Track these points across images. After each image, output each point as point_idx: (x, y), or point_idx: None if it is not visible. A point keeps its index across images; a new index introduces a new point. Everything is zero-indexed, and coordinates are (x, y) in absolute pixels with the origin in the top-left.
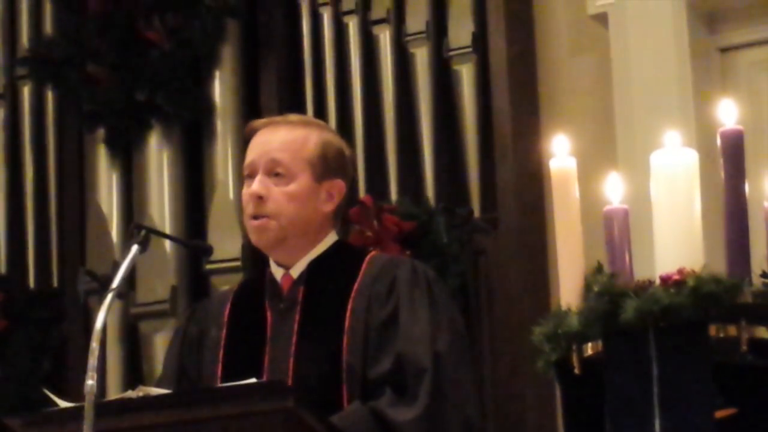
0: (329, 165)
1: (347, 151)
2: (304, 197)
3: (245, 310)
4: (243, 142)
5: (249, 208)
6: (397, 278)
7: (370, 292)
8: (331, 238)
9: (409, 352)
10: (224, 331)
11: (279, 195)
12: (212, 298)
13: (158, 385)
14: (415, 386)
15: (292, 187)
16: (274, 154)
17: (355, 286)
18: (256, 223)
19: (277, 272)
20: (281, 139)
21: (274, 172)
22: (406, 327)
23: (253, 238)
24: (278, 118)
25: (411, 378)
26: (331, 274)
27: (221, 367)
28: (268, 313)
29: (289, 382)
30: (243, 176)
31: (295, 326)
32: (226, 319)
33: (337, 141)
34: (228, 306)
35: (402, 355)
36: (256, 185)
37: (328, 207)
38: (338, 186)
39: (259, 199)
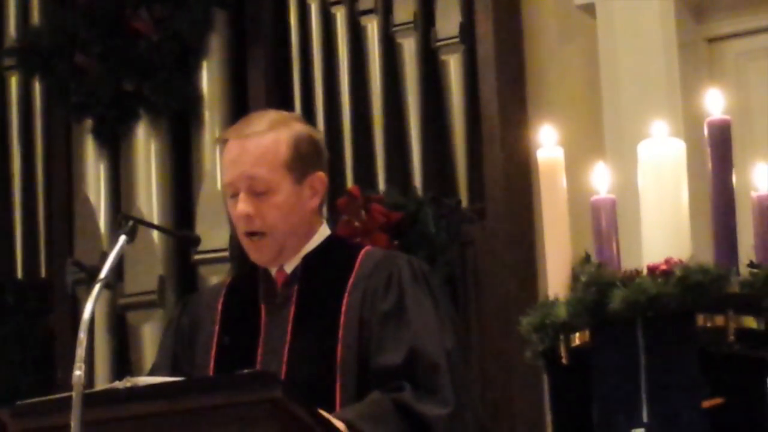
0: (305, 161)
1: (317, 136)
2: (291, 203)
3: (238, 305)
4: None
5: (240, 226)
6: (395, 273)
7: (365, 286)
8: (323, 231)
9: (421, 348)
10: (217, 325)
11: (266, 210)
12: (205, 291)
13: (152, 372)
14: (431, 382)
15: (276, 198)
16: (250, 171)
17: (350, 281)
18: (250, 243)
19: (271, 268)
20: (253, 152)
21: (254, 190)
22: (416, 322)
23: (252, 257)
24: (246, 129)
25: (425, 374)
26: (325, 269)
27: (213, 363)
28: (262, 309)
29: (283, 377)
30: (225, 195)
31: (290, 322)
32: (219, 313)
33: (306, 131)
34: (221, 300)
35: (415, 350)
36: (241, 206)
37: (314, 202)
38: (319, 178)
39: (248, 217)
